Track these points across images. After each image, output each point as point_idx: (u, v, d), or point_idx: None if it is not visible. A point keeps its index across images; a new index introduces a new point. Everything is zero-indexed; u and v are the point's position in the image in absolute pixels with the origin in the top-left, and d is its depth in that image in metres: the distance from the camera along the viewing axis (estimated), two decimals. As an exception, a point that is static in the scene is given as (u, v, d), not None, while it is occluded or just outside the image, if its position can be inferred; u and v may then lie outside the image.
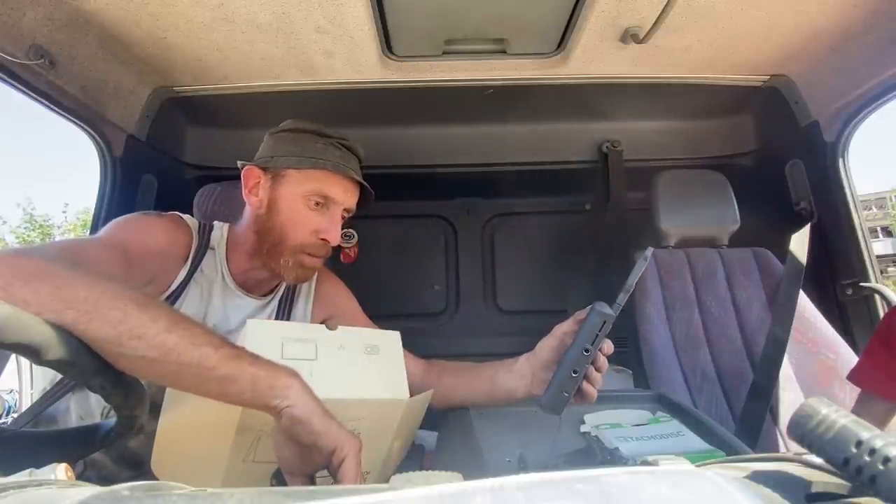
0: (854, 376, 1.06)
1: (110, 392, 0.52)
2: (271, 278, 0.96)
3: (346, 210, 0.93)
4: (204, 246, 0.89)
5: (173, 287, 0.84)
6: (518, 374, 0.81)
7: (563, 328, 0.78)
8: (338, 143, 0.92)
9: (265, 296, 0.97)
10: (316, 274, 1.02)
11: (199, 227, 0.91)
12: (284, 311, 0.98)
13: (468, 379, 0.88)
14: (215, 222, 0.95)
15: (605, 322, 0.66)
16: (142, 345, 0.50)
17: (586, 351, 0.66)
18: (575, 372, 0.66)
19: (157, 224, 0.85)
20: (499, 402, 0.83)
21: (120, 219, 0.82)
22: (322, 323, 1.02)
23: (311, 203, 0.88)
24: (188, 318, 0.55)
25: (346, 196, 0.91)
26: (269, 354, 0.63)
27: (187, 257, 0.86)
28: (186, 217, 0.91)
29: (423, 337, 1.83)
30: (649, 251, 0.70)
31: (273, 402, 0.53)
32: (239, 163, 0.94)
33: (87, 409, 0.83)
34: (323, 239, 0.88)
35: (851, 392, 1.15)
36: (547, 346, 0.79)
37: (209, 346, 0.53)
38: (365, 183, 0.93)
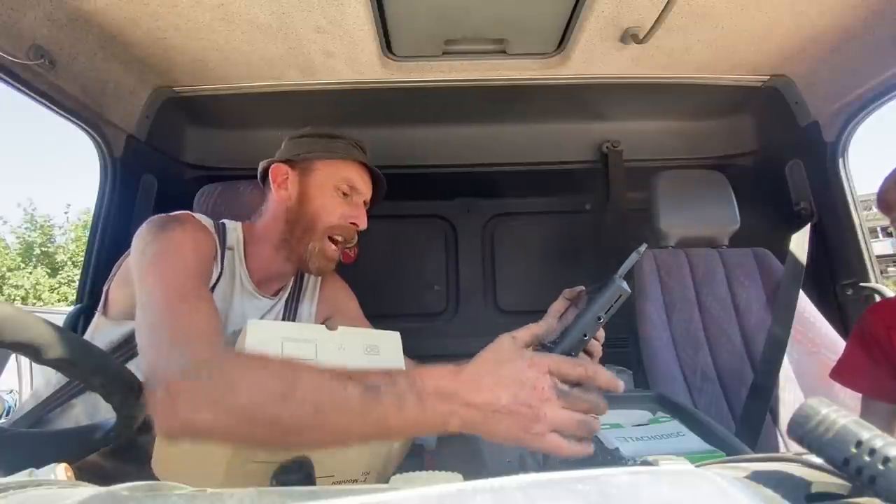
0: (834, 374, 1.08)
1: (110, 391, 0.52)
2: (285, 275, 0.98)
3: (365, 202, 1.01)
4: (221, 246, 0.91)
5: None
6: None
7: (557, 306, 0.82)
8: (352, 142, 1.01)
9: (275, 295, 0.99)
10: (320, 276, 1.05)
11: (214, 227, 0.91)
12: (291, 311, 1.00)
13: None
14: (226, 221, 0.96)
15: (620, 296, 0.67)
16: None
17: (599, 318, 0.67)
18: (585, 335, 0.68)
19: (195, 232, 0.82)
20: None
21: (167, 237, 0.77)
22: (324, 322, 1.03)
23: (340, 192, 0.96)
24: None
25: (367, 187, 1.01)
26: (268, 354, 0.63)
27: (215, 260, 0.87)
28: (200, 216, 0.90)
29: (423, 337, 1.83)
30: (643, 247, 0.71)
31: (441, 431, 0.56)
32: (264, 161, 1.00)
33: (94, 412, 0.83)
34: (352, 223, 0.96)
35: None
36: (541, 326, 0.82)
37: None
38: (381, 176, 1.03)
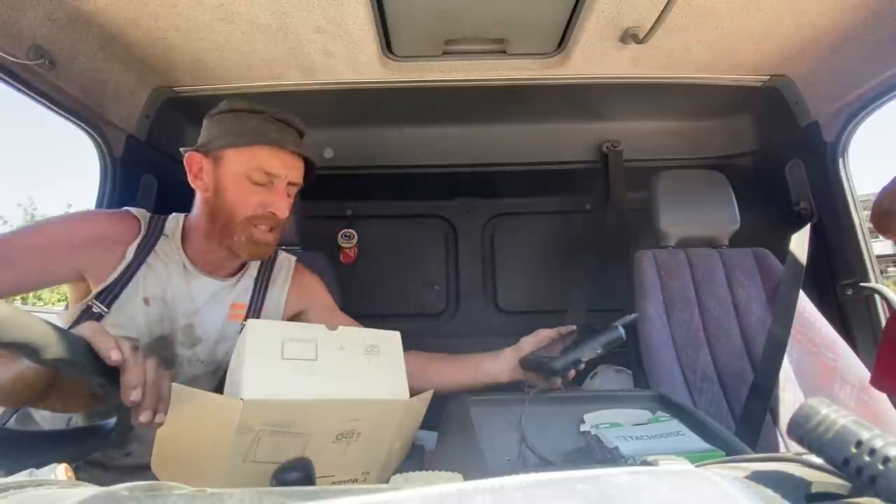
0: (875, 382, 1.03)
1: (109, 391, 0.52)
2: (232, 259, 0.99)
3: (291, 184, 0.94)
4: (155, 234, 0.94)
5: (117, 272, 0.88)
6: (504, 362, 0.95)
7: (546, 333, 0.95)
8: (271, 117, 0.92)
9: (231, 276, 1.00)
10: (293, 266, 1.08)
11: (152, 218, 0.96)
12: (259, 295, 1.02)
13: (452, 365, 0.98)
14: (172, 214, 0.99)
15: (618, 339, 0.82)
16: None
17: (598, 351, 0.82)
18: (581, 360, 0.82)
19: (86, 220, 0.90)
20: (481, 385, 0.96)
21: (56, 217, 0.90)
22: (298, 314, 1.06)
23: (254, 180, 0.90)
24: None
25: (286, 169, 0.91)
26: (269, 354, 0.64)
27: (129, 245, 0.91)
28: (136, 211, 0.95)
29: (423, 337, 1.82)
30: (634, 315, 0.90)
31: None
32: (181, 150, 0.96)
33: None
34: (270, 212, 0.91)
35: (851, 392, 1.15)
36: (529, 343, 0.95)
37: None
38: (303, 153, 0.94)
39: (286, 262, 1.09)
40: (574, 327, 0.96)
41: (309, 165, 0.98)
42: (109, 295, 0.87)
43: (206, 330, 0.94)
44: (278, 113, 0.94)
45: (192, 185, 0.94)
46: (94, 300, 0.87)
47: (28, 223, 13.83)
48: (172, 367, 0.92)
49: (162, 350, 0.91)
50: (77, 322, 0.86)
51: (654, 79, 1.42)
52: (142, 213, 0.96)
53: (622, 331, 0.81)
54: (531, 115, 1.65)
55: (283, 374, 0.63)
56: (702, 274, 1.41)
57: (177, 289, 0.92)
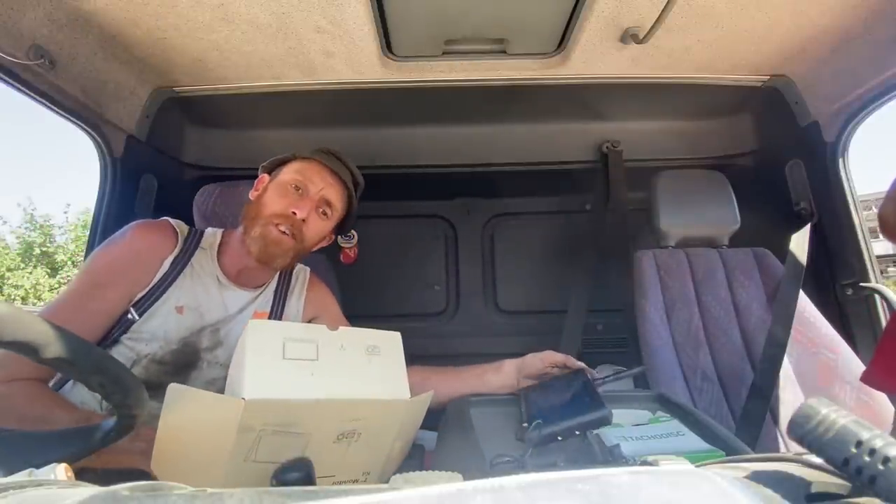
0: (872, 379, 1.00)
1: (109, 390, 0.52)
2: (261, 271, 1.04)
3: (326, 202, 1.02)
4: (192, 246, 1.00)
5: (153, 283, 0.94)
6: (506, 376, 0.97)
7: (554, 358, 0.94)
8: (332, 155, 1.06)
9: (257, 287, 1.06)
10: (308, 277, 1.14)
11: (190, 231, 1.03)
12: (279, 304, 1.08)
13: (453, 379, 0.99)
14: (209, 228, 1.07)
15: (602, 420, 0.74)
16: None
17: (576, 433, 0.74)
18: (559, 438, 0.74)
19: (121, 243, 0.96)
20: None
21: (93, 254, 0.97)
22: (310, 321, 1.10)
23: (291, 187, 1.00)
24: None
25: (323, 183, 1.02)
26: (270, 354, 0.64)
27: (166, 258, 0.97)
28: (176, 222, 1.02)
29: (424, 337, 1.83)
30: (641, 368, 0.88)
31: None
32: (260, 168, 1.08)
33: (86, 395, 0.90)
34: (292, 212, 0.98)
35: (851, 392, 1.15)
36: (534, 364, 0.95)
37: None
38: (339, 173, 1.04)
39: (302, 272, 1.15)
40: (582, 365, 0.93)
41: (351, 199, 1.08)
42: (144, 303, 0.93)
43: (230, 335, 1.00)
44: (339, 153, 1.08)
45: (251, 198, 1.04)
46: (130, 307, 0.92)
47: (28, 223, 13.86)
48: (195, 369, 0.97)
49: (187, 354, 0.96)
50: (115, 328, 0.92)
51: (654, 79, 1.42)
52: (180, 226, 1.02)
53: (609, 412, 0.75)
54: (531, 115, 1.65)
55: (284, 374, 0.63)
56: (702, 274, 1.41)
57: (212, 298, 0.99)
